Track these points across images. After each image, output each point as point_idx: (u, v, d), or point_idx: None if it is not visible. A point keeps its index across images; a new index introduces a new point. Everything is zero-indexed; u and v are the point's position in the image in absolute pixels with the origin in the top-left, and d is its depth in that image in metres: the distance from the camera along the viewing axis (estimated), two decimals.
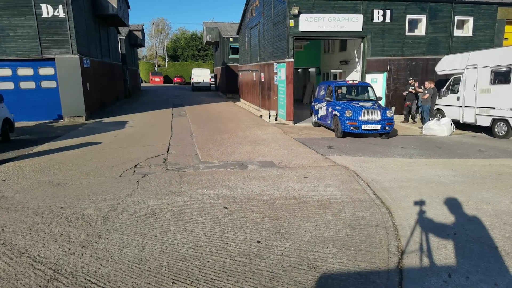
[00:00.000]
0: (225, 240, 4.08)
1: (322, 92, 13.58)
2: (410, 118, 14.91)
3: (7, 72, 15.53)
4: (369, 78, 15.53)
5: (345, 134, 11.33)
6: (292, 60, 14.57)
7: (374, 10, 14.89)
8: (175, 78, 54.09)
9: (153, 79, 53.23)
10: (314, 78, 22.53)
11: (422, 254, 3.83)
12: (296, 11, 13.97)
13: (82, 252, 3.82)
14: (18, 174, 7.10)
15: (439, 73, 14.34)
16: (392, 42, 15.41)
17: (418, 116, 15.01)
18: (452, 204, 5.25)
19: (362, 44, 15.47)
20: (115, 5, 19.40)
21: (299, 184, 6.21)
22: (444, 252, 3.85)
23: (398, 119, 15.25)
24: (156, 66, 63.33)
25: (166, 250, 3.84)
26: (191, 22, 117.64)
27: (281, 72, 15.24)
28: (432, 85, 13.78)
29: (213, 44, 39.72)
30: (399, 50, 15.57)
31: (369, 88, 12.73)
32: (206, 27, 37.61)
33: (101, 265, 3.55)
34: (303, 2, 14.32)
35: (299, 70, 23.93)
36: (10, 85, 15.55)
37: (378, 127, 10.74)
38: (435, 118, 12.77)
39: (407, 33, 15.50)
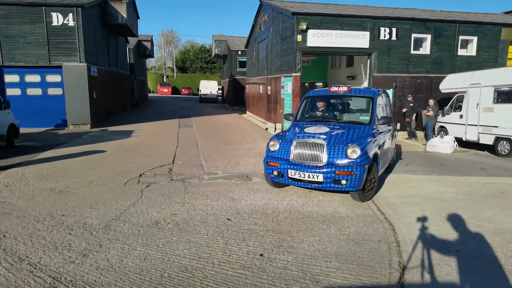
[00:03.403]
0: (228, 252, 4.02)
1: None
2: (414, 135, 14.88)
3: (15, 78, 15.71)
4: None
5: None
6: (299, 74, 14.68)
7: (381, 28, 15.05)
8: (183, 89, 54.54)
9: (161, 89, 53.71)
10: None
11: (424, 270, 3.76)
12: (304, 27, 14.13)
13: (82, 260, 3.77)
14: (21, 180, 7.10)
15: (443, 91, 14.35)
16: (398, 59, 15.51)
17: (419, 133, 15.01)
18: (455, 221, 5.18)
19: (368, 60, 15.58)
20: (125, 15, 19.68)
21: (304, 198, 6.16)
22: (446, 269, 3.78)
23: (403, 136, 15.23)
24: (165, 77, 63.90)
25: (168, 261, 3.79)
26: (200, 35, 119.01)
27: (287, 86, 15.32)
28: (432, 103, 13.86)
29: (221, 57, 40.14)
30: (404, 67, 15.65)
31: (369, 100, 7.23)
32: (215, 40, 38.09)
33: (101, 274, 3.50)
34: (311, 18, 14.50)
35: (306, 84, 24.00)
36: (17, 91, 15.71)
37: (318, 178, 5.66)
38: (439, 136, 12.68)
39: (412, 51, 15.61)
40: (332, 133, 6.19)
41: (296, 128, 6.81)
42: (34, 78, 15.93)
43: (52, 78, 15.98)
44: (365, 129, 6.59)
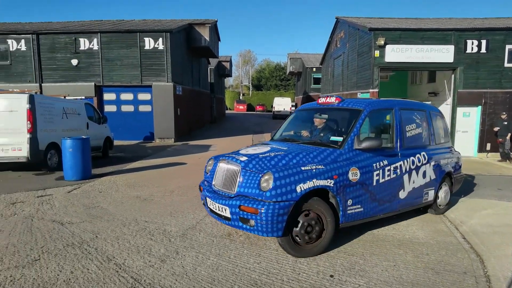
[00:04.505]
0: (297, 270, 4.00)
1: None
2: (509, 157, 13.28)
3: (112, 96, 17.73)
4: (460, 111, 14.41)
5: None
6: (377, 90, 14.22)
7: (467, 40, 13.94)
8: (257, 106, 56.24)
9: (237, 106, 56.04)
10: None
11: None
12: (382, 42, 13.73)
13: (160, 265, 4.05)
14: (112, 187, 7.91)
15: None
16: (488, 73, 14.13)
17: None
18: None
19: (453, 75, 14.47)
20: (207, 38, 21.07)
21: (379, 221, 5.87)
22: None
23: (494, 157, 13.71)
24: (241, 94, 66.62)
25: (238, 273, 3.89)
26: (275, 53, 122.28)
27: None
28: None
29: (296, 74, 40.63)
30: (496, 82, 14.19)
31: (354, 114, 5.17)
32: (290, 58, 38.78)
33: (176, 280, 3.71)
34: (390, 33, 14.04)
35: None
36: (113, 108, 17.70)
37: (226, 212, 4.37)
38: None
39: (506, 64, 14.09)
40: (264, 156, 4.54)
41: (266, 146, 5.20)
42: (128, 96, 17.80)
43: (142, 96, 17.70)
44: (329, 154, 4.60)
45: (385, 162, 5.04)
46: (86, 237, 4.85)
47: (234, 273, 3.90)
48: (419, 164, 5.59)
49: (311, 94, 31.66)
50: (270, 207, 3.99)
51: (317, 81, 31.37)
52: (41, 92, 15.84)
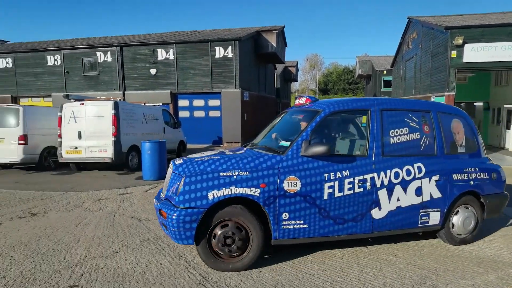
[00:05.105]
0: (363, 280, 3.88)
1: None
2: None
3: (186, 103, 18.86)
4: None
5: None
6: (453, 93, 13.22)
7: None
8: None
9: None
10: (481, 114, 19.67)
11: None
12: (460, 41, 12.74)
13: None
14: None
15: None
16: None
17: None
18: None
19: None
20: (274, 44, 21.39)
21: None
22: None
23: None
24: None
25: (302, 279, 3.90)
26: (343, 56, 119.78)
27: None
28: None
29: (365, 77, 39.42)
30: None
31: (312, 115, 4.48)
32: (358, 61, 37.75)
33: (241, 280, 3.83)
34: (469, 31, 12.96)
35: (462, 104, 21.35)
36: (186, 114, 18.83)
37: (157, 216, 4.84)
38: None
39: None
40: (199, 159, 4.22)
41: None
42: (199, 102, 18.80)
43: (212, 102, 18.56)
44: (264, 161, 4.09)
45: (346, 173, 4.21)
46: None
47: (298, 278, 3.91)
48: (408, 178, 4.48)
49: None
50: (177, 213, 3.77)
51: (387, 84, 30.06)
52: (124, 99, 17.41)
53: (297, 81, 45.22)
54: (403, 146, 4.58)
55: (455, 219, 4.89)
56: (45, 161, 11.37)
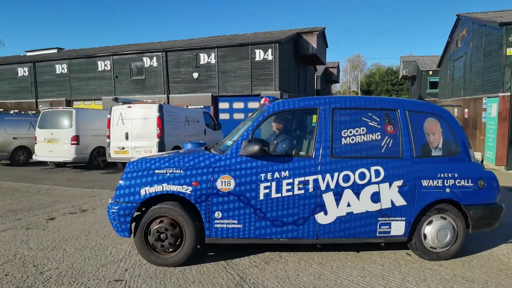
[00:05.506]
0: None
1: None
2: None
3: (226, 105, 19.18)
4: None
5: None
6: (508, 94, 12.38)
7: None
8: None
9: None
10: None
11: None
12: None
13: (264, 267, 4.23)
14: None
15: None
16: None
17: None
18: None
19: None
20: (315, 45, 21.19)
21: (509, 247, 5.09)
22: None
23: None
24: None
25: (340, 284, 3.83)
26: (387, 57, 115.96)
27: (491, 108, 13.10)
28: None
29: (409, 78, 37.98)
30: None
31: (258, 116, 4.44)
32: (403, 61, 36.45)
33: (278, 283, 3.83)
34: None
35: None
36: (226, 116, 19.13)
37: None
38: None
39: None
40: (149, 157, 4.47)
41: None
42: (239, 105, 19.04)
43: (252, 105, 18.71)
44: (204, 160, 4.18)
45: (285, 174, 4.04)
46: None
47: (336, 283, 3.84)
48: (362, 182, 4.10)
49: (426, 99, 29.04)
50: (113, 207, 4.09)
51: (433, 85, 28.72)
52: (168, 102, 18.04)
53: (338, 82, 44.46)
54: (358, 147, 4.21)
55: (428, 230, 4.34)
56: (95, 161, 12.11)
